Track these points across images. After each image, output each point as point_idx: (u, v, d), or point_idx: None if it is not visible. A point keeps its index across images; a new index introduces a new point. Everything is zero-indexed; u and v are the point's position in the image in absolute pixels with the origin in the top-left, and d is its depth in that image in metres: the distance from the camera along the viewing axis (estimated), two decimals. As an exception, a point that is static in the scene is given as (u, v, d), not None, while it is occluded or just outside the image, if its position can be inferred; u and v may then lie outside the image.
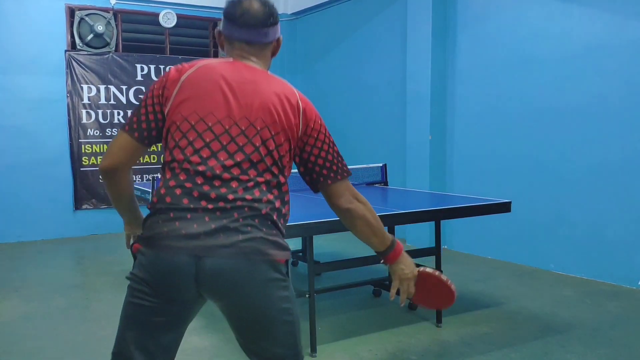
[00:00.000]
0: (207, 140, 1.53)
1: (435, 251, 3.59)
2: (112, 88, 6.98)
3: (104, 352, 3.19)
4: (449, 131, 5.85)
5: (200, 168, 1.52)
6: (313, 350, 3.10)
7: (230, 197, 1.51)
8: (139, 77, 7.14)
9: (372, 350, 3.18)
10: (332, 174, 1.68)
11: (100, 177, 1.80)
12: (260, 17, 1.62)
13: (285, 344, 1.61)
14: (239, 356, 3.13)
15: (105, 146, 6.94)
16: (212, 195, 1.51)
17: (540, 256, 5.02)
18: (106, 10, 6.87)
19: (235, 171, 1.53)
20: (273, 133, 1.58)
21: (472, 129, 5.62)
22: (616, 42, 4.39)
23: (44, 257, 5.77)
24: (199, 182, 1.51)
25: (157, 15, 7.10)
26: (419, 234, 5.88)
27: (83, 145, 6.85)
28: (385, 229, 1.79)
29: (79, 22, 6.74)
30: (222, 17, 1.69)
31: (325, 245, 5.66)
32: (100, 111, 6.93)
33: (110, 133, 6.98)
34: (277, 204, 1.59)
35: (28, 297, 4.33)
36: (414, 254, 3.86)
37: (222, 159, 1.53)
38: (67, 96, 6.76)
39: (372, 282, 4.18)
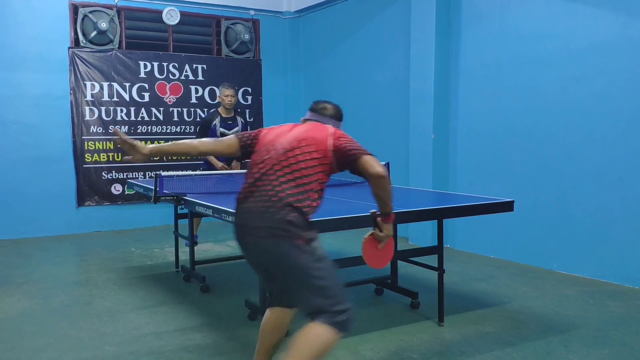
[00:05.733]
0: None
1: (437, 250, 3.59)
2: (116, 85, 6.98)
3: (107, 349, 3.21)
4: (452, 130, 5.83)
5: None
6: (315, 348, 3.10)
7: None
8: (142, 75, 7.14)
9: (374, 349, 3.18)
10: None
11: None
12: (330, 111, 2.59)
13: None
14: (241, 354, 3.14)
15: (108, 143, 6.95)
16: None
17: (543, 255, 5.01)
18: (110, 7, 6.87)
19: None
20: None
21: (475, 127, 5.60)
22: (620, 40, 4.37)
23: (47, 254, 5.79)
24: None
25: (161, 12, 7.10)
26: (422, 233, 5.87)
27: (86, 142, 6.86)
28: None
29: (83, 19, 6.75)
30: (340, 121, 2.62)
31: (327, 244, 5.65)
32: (103, 108, 6.94)
33: (113, 130, 6.98)
34: None
35: (31, 294, 4.35)
36: (416, 252, 3.87)
37: None
38: (71, 93, 6.77)
39: (374, 280, 4.18)
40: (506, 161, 5.30)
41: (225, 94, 5.68)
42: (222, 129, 5.65)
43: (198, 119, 7.50)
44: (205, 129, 5.66)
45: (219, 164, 5.65)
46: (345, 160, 2.30)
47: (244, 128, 5.82)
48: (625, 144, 4.37)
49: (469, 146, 5.70)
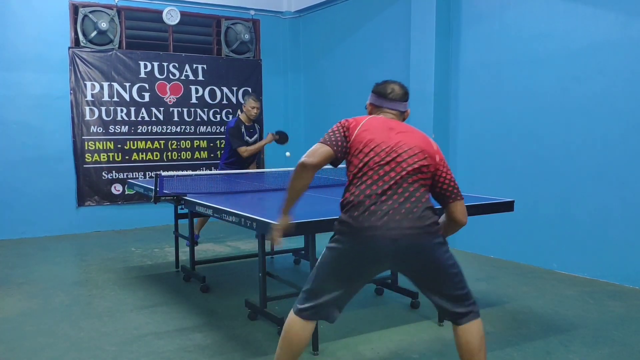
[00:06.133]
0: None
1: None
2: (116, 85, 6.98)
3: (107, 349, 3.21)
4: (452, 130, 5.83)
5: None
6: (315, 348, 3.10)
7: None
8: (142, 75, 7.14)
9: (374, 349, 3.18)
10: None
11: (297, 170, 2.31)
12: (401, 95, 2.57)
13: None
14: (241, 354, 3.14)
15: (108, 143, 6.96)
16: None
17: (543, 255, 5.01)
18: (110, 7, 6.87)
19: None
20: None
21: (475, 127, 5.60)
22: (620, 40, 4.37)
23: (47, 254, 5.79)
24: None
25: (161, 12, 7.10)
26: (422, 233, 5.86)
27: (86, 142, 6.86)
28: None
29: (83, 19, 6.75)
30: (372, 93, 2.59)
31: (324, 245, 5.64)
32: (103, 108, 6.94)
33: (113, 130, 6.99)
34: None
35: (31, 294, 4.35)
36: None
37: None
38: (71, 93, 6.77)
39: (374, 280, 4.18)
40: (506, 161, 5.30)
41: (252, 106, 5.79)
42: (246, 137, 5.81)
43: (198, 119, 7.52)
44: (240, 136, 5.77)
45: (267, 139, 5.84)
46: (438, 189, 2.37)
47: (260, 134, 6.00)
48: (625, 144, 4.37)
49: (469, 146, 5.69)
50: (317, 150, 2.32)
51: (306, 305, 2.32)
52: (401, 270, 2.37)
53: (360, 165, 2.29)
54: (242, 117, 5.84)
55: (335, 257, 2.28)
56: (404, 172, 2.25)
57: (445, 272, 2.31)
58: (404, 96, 2.58)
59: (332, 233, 2.42)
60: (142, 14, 7.17)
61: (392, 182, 2.23)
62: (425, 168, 2.30)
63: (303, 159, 2.30)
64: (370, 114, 2.58)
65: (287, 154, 5.78)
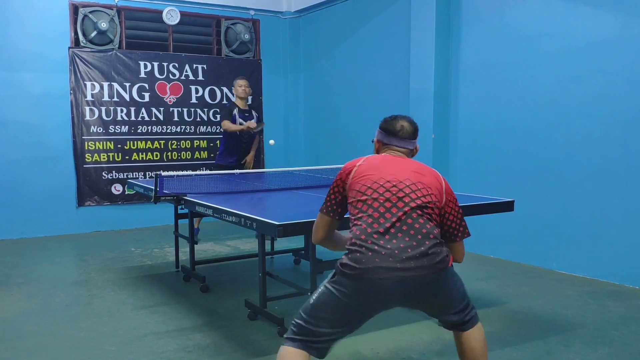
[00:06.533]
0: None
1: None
2: (116, 85, 6.98)
3: (106, 349, 3.21)
4: (452, 130, 5.83)
5: None
6: (315, 348, 3.10)
7: None
8: (142, 75, 7.14)
9: (373, 349, 3.18)
10: None
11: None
12: (411, 132, 2.45)
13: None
14: (241, 354, 3.14)
15: (108, 143, 6.96)
16: None
17: (543, 255, 5.01)
18: (110, 7, 6.87)
19: None
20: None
21: (475, 127, 5.60)
22: (620, 40, 4.37)
23: (47, 254, 5.79)
24: None
25: (161, 12, 7.10)
26: (422, 233, 5.86)
27: (86, 142, 6.86)
28: None
29: (83, 19, 6.75)
30: (379, 129, 2.50)
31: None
32: (103, 108, 6.94)
33: (113, 130, 6.99)
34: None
35: (30, 294, 4.35)
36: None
37: None
38: (71, 93, 6.77)
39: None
40: (506, 161, 5.30)
41: (239, 84, 6.04)
42: (240, 119, 5.97)
43: (198, 119, 7.52)
44: (229, 113, 5.96)
45: (245, 125, 5.89)
46: (446, 227, 2.30)
47: (258, 121, 6.15)
48: (625, 144, 4.37)
49: (469, 146, 5.70)
50: (317, 225, 2.44)
51: (300, 338, 2.16)
52: (410, 307, 2.27)
53: (359, 205, 2.20)
54: (236, 101, 6.04)
55: (336, 300, 2.12)
56: (407, 208, 2.13)
57: (455, 296, 2.26)
58: (414, 133, 2.47)
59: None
60: (142, 14, 7.17)
61: (394, 218, 2.11)
62: (432, 204, 2.20)
63: (312, 239, 2.48)
64: (377, 151, 2.52)
65: (271, 142, 5.80)
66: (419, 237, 2.10)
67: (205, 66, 7.55)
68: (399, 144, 2.44)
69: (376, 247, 2.07)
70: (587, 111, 4.61)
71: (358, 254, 2.08)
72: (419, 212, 2.15)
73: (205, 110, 7.58)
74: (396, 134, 2.44)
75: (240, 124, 5.89)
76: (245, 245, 6.12)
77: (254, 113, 6.14)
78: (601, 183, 4.54)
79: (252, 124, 5.89)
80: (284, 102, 8.35)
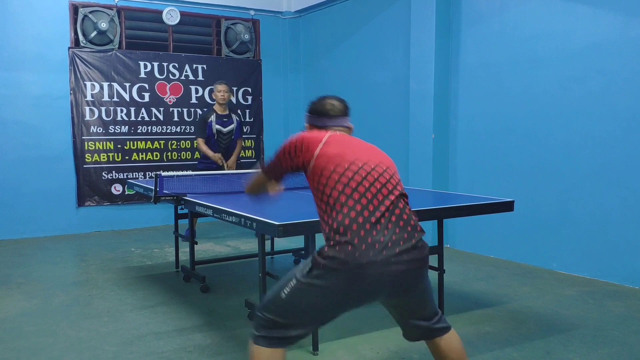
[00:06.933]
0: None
1: (437, 250, 3.59)
2: (116, 85, 6.98)
3: (106, 349, 3.21)
4: (452, 130, 5.83)
5: None
6: (315, 348, 3.10)
7: None
8: (142, 75, 7.14)
9: (374, 349, 3.18)
10: None
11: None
12: (342, 109, 2.34)
13: None
14: (241, 354, 3.13)
15: (108, 143, 6.96)
16: None
17: (543, 255, 5.00)
18: (110, 7, 6.87)
19: None
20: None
21: (475, 127, 5.60)
22: (619, 40, 4.37)
23: (47, 254, 5.79)
24: None
25: (161, 12, 7.10)
26: (422, 233, 5.86)
27: (86, 142, 6.86)
28: None
29: (83, 19, 6.75)
30: (308, 114, 2.34)
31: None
32: (103, 108, 6.94)
33: (113, 130, 6.99)
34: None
35: (30, 294, 4.35)
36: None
37: None
38: (71, 93, 6.77)
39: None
40: (506, 161, 5.30)
41: (218, 90, 5.87)
42: (217, 126, 5.83)
43: (198, 119, 7.50)
44: (202, 127, 5.81)
45: (214, 155, 5.76)
46: None
47: (239, 126, 5.98)
48: (625, 144, 4.37)
49: (469, 146, 5.69)
50: (256, 185, 2.40)
51: (274, 335, 2.03)
52: (391, 301, 2.12)
53: (339, 187, 1.99)
54: (215, 106, 5.92)
55: (318, 295, 1.97)
56: (392, 196, 2.01)
57: (428, 294, 2.16)
58: (346, 110, 2.34)
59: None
60: (142, 14, 7.17)
61: (382, 207, 1.98)
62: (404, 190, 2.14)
63: (246, 190, 2.49)
64: None
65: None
66: (409, 228, 2.01)
67: (205, 66, 7.55)
68: (334, 123, 2.28)
69: (370, 239, 1.92)
70: (587, 111, 4.61)
71: (350, 247, 1.91)
72: (404, 200, 2.08)
73: (205, 110, 7.57)
74: (327, 113, 2.30)
75: (218, 131, 5.76)
76: (245, 245, 6.12)
77: (234, 118, 5.96)
78: (601, 183, 4.54)
79: (224, 164, 5.80)
80: (284, 102, 8.34)
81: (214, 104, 5.96)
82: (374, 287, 1.96)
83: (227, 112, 5.91)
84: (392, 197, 2.02)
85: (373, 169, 2.05)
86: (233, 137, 5.93)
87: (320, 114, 2.30)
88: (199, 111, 7.52)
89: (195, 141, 5.86)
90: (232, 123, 5.91)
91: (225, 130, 5.82)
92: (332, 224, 1.97)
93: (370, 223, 1.94)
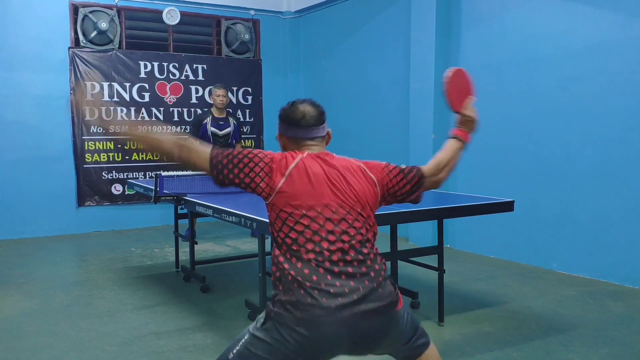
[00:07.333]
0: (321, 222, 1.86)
1: (437, 250, 3.59)
2: (116, 85, 6.98)
3: (106, 349, 3.21)
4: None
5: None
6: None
7: None
8: (143, 75, 7.14)
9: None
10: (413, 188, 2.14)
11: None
12: (315, 117, 2.01)
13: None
14: (241, 354, 3.13)
15: (108, 143, 6.96)
16: None
17: (543, 255, 5.00)
18: (110, 7, 6.87)
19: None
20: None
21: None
22: (620, 40, 4.37)
23: (47, 254, 5.79)
24: None
25: (161, 12, 7.10)
26: (422, 233, 5.87)
27: (86, 142, 6.86)
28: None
29: (83, 19, 6.74)
30: (279, 121, 2.05)
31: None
32: (103, 108, 6.94)
33: (113, 130, 6.95)
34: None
35: (30, 293, 4.35)
36: (416, 252, 3.87)
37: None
38: (71, 93, 6.77)
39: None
40: (506, 161, 5.30)
41: (217, 94, 5.86)
42: (213, 129, 5.83)
43: (193, 119, 7.51)
44: (196, 128, 5.86)
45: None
46: (399, 196, 2.09)
47: (237, 130, 5.99)
48: (625, 144, 4.37)
49: (469, 146, 5.67)
50: (194, 159, 1.98)
51: None
52: (357, 353, 1.91)
53: (298, 227, 1.82)
54: (213, 109, 5.94)
55: (267, 351, 1.79)
56: (353, 241, 1.83)
57: (405, 333, 1.93)
58: (320, 117, 2.03)
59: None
60: (142, 14, 7.17)
61: (338, 252, 1.80)
62: (373, 214, 1.94)
63: (175, 155, 2.02)
64: (284, 148, 2.06)
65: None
66: (372, 273, 1.83)
67: (205, 66, 7.55)
68: (305, 135, 1.99)
69: (323, 285, 1.76)
70: (587, 111, 4.61)
71: (302, 292, 1.76)
72: (366, 238, 1.87)
73: (205, 110, 7.57)
74: (298, 123, 2.00)
75: (213, 133, 5.76)
76: (245, 245, 6.12)
77: (232, 121, 5.94)
78: (601, 183, 4.54)
79: None
80: (284, 102, 8.13)
81: (212, 106, 5.97)
82: (329, 339, 1.77)
83: (224, 116, 5.90)
84: (352, 242, 1.83)
85: (334, 212, 1.84)
86: (230, 140, 5.92)
87: (291, 123, 2.01)
88: (199, 111, 7.50)
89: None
90: (229, 127, 5.90)
91: (221, 133, 5.82)
92: (286, 271, 1.81)
93: (325, 268, 1.78)
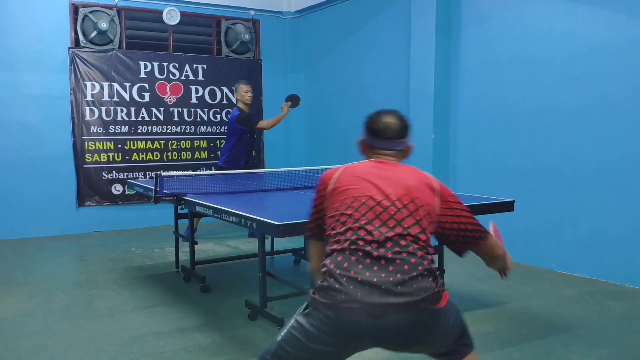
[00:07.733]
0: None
1: (437, 250, 3.59)
2: (116, 85, 6.98)
3: (106, 349, 3.21)
4: (452, 130, 5.84)
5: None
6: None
7: None
8: (143, 75, 7.14)
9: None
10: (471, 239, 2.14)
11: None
12: (397, 130, 2.08)
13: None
14: (241, 354, 3.14)
15: (108, 143, 6.96)
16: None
17: (543, 255, 5.01)
18: (110, 7, 6.87)
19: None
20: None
21: (475, 128, 5.60)
22: (620, 41, 4.37)
23: (47, 254, 5.79)
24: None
25: (161, 12, 7.10)
26: (422, 233, 5.86)
27: (86, 142, 6.86)
28: None
29: (83, 19, 6.75)
30: (365, 128, 2.10)
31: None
32: (103, 108, 6.94)
33: (113, 130, 6.99)
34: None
35: (31, 294, 4.35)
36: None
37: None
38: (71, 93, 6.77)
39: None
40: (506, 161, 5.30)
41: (245, 90, 6.00)
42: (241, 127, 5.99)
43: (198, 119, 7.51)
44: (248, 117, 5.96)
45: (281, 117, 6.23)
46: (453, 237, 2.09)
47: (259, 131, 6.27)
48: (625, 144, 4.37)
49: (469, 146, 5.69)
50: (311, 254, 2.20)
51: None
52: (389, 348, 1.90)
53: (338, 227, 1.87)
54: (241, 105, 5.97)
55: (305, 336, 1.79)
56: (391, 233, 1.81)
57: (448, 337, 1.88)
58: (402, 131, 2.08)
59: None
60: (142, 14, 7.17)
61: (374, 243, 1.80)
62: (423, 221, 1.89)
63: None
64: (362, 153, 2.15)
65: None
66: (406, 266, 1.78)
67: (205, 66, 7.55)
68: (383, 146, 2.05)
69: (352, 273, 1.76)
70: (587, 112, 4.61)
71: (337, 285, 1.76)
72: (407, 238, 1.83)
73: (206, 110, 7.58)
74: (379, 134, 2.06)
75: (250, 130, 5.93)
76: (245, 245, 6.12)
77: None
78: (601, 183, 4.54)
79: (287, 105, 6.15)
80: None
81: (238, 105, 6.05)
82: (357, 331, 1.75)
83: (249, 112, 6.10)
84: (390, 234, 1.81)
85: (377, 203, 1.86)
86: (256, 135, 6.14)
87: (371, 133, 2.08)
88: (199, 111, 7.52)
89: (260, 125, 6.09)
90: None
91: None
92: (328, 262, 1.84)
93: (358, 257, 1.79)
